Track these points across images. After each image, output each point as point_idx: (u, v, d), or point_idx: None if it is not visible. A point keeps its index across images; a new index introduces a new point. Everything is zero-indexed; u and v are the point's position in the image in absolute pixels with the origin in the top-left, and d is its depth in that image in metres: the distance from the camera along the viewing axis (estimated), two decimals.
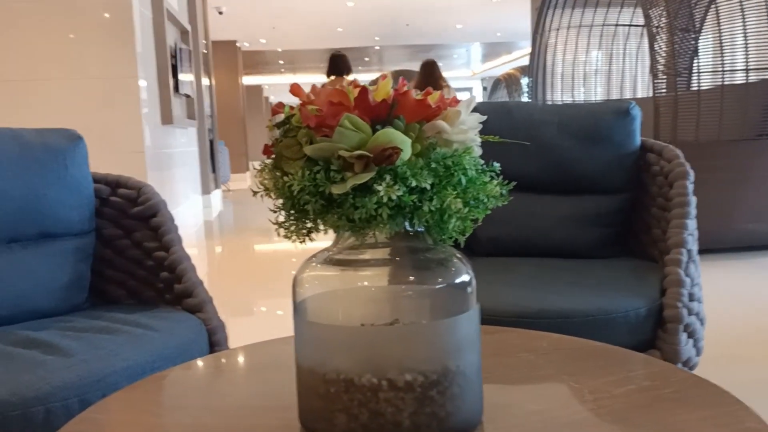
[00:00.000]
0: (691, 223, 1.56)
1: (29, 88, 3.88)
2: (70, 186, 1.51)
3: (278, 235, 0.73)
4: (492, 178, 0.75)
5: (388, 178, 0.67)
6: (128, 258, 1.59)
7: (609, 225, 1.82)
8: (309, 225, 0.74)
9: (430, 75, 5.53)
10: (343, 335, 0.71)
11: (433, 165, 0.70)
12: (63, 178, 1.51)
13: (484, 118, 0.77)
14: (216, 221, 6.83)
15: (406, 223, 0.72)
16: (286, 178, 0.71)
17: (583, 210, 1.82)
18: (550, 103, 5.61)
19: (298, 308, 0.74)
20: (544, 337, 1.04)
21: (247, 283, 3.87)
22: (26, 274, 1.44)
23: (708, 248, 4.02)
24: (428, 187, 0.69)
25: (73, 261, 1.51)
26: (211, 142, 8.02)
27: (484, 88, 22.51)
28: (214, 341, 1.40)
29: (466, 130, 0.73)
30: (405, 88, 0.72)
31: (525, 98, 10.66)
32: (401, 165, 0.68)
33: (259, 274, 4.11)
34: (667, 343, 1.38)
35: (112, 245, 1.60)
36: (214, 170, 8.02)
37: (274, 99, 26.37)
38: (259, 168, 0.76)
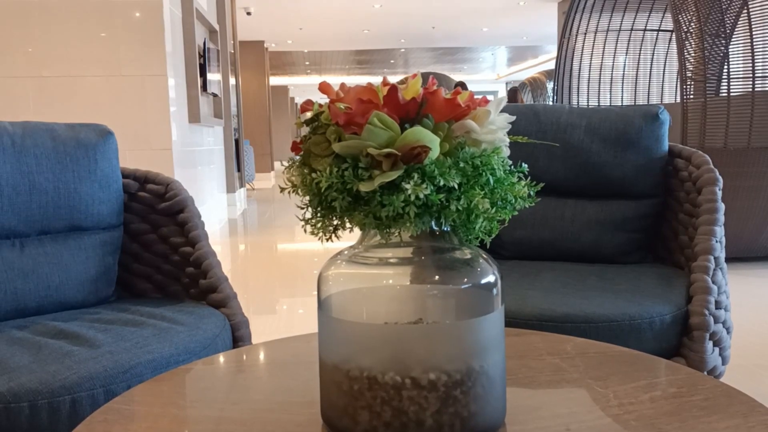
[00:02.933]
0: (719, 230, 1.54)
1: (64, 85, 3.95)
2: (99, 180, 1.54)
3: (305, 231, 0.73)
4: (520, 179, 0.75)
5: (415, 176, 0.67)
6: (155, 253, 1.61)
7: (636, 230, 1.80)
8: (336, 222, 0.74)
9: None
10: (368, 333, 0.71)
11: (461, 164, 0.70)
12: (93, 173, 1.53)
13: (513, 118, 0.76)
14: (240, 219, 6.88)
15: (433, 223, 0.72)
16: (314, 175, 0.71)
17: (609, 214, 1.81)
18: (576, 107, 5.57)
19: (323, 305, 0.74)
20: (569, 340, 1.04)
21: (269, 281, 3.89)
22: (55, 267, 1.46)
23: (737, 256, 3.95)
24: (456, 187, 0.69)
25: (102, 254, 1.54)
26: (237, 141, 8.09)
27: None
28: (238, 336, 1.41)
29: (495, 130, 0.72)
30: (434, 87, 0.72)
31: (549, 102, 10.57)
32: (429, 164, 0.68)
33: (282, 272, 4.13)
34: (692, 350, 1.36)
35: (139, 240, 1.62)
36: (239, 169, 8.08)
37: (299, 99, 26.54)
38: (287, 165, 0.76)
